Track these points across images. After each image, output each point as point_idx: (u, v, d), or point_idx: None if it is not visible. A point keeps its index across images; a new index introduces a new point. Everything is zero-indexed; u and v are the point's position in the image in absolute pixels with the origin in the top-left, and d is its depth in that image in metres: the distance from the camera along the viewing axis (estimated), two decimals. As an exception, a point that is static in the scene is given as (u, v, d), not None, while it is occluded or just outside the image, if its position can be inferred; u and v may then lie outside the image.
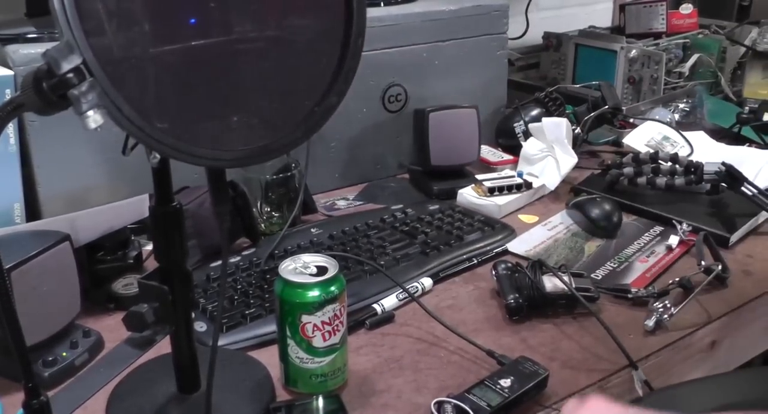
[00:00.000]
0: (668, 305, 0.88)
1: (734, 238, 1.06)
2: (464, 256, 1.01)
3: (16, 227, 0.91)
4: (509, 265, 0.93)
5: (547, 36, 1.73)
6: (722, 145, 1.35)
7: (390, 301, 0.91)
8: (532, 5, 1.75)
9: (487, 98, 1.39)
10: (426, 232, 1.06)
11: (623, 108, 1.38)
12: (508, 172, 1.23)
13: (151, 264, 0.89)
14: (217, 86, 0.58)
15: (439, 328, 0.86)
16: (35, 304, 0.76)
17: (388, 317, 0.89)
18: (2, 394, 0.76)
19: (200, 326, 0.84)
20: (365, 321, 0.88)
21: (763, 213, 1.10)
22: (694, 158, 1.20)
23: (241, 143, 0.59)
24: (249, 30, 0.58)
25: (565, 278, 0.88)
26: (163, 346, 0.82)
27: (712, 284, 0.94)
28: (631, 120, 1.44)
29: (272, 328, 0.80)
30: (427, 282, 0.95)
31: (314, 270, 0.74)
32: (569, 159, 1.22)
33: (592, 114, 1.32)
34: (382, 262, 0.97)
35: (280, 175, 1.08)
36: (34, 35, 1.03)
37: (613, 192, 1.18)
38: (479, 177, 1.20)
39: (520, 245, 1.06)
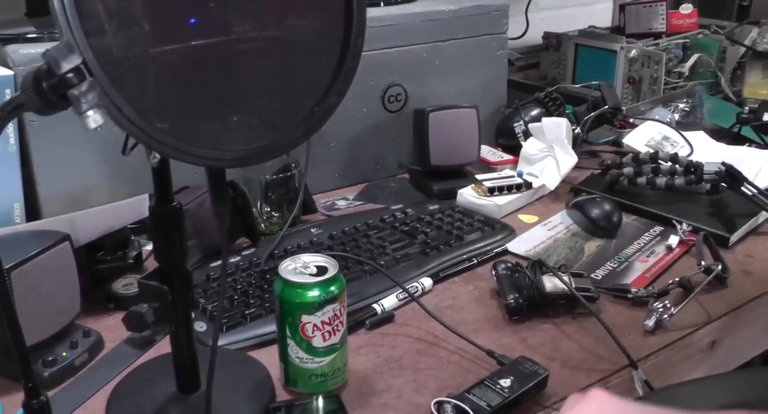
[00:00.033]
0: (668, 305, 0.88)
1: (734, 238, 1.06)
2: (464, 256, 1.01)
3: (16, 227, 0.91)
4: (509, 265, 0.93)
5: (547, 36, 1.73)
6: (722, 145, 1.35)
7: (390, 301, 0.91)
8: (532, 5, 1.75)
9: (487, 98, 1.39)
10: (426, 232, 1.06)
11: (623, 108, 1.38)
12: (508, 172, 1.23)
13: (151, 264, 0.89)
14: (217, 86, 0.58)
15: (439, 328, 0.86)
16: (35, 304, 0.76)
17: (387, 317, 0.89)
18: (2, 394, 0.76)
19: (200, 326, 0.84)
20: (365, 321, 0.88)
21: (763, 213, 1.10)
22: (694, 158, 1.20)
23: (241, 143, 0.59)
24: (249, 30, 0.58)
25: (565, 278, 0.88)
26: (163, 346, 0.82)
27: (712, 284, 0.94)
28: (631, 120, 1.44)
29: (272, 328, 0.80)
30: (427, 282, 0.95)
31: (314, 270, 0.74)
32: (569, 159, 1.22)
33: (592, 114, 1.32)
34: (382, 262, 0.97)
35: (280, 175, 1.08)
36: (34, 35, 1.03)
37: (613, 192, 1.18)
38: (479, 177, 1.20)
39: (520, 245, 1.06)
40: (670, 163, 1.18)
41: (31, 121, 0.98)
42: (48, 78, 0.48)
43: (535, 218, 1.16)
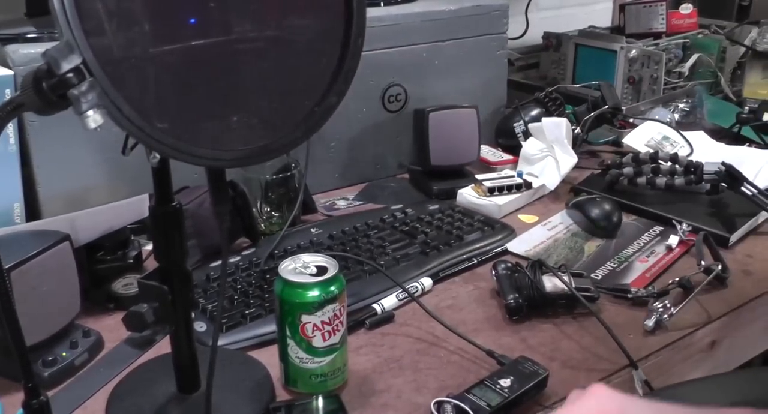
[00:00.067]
0: (668, 305, 0.88)
1: (734, 238, 1.06)
2: (464, 256, 1.01)
3: (15, 227, 0.91)
4: (509, 265, 0.93)
5: (546, 36, 1.73)
6: (722, 145, 1.35)
7: (390, 301, 0.91)
8: (532, 5, 1.75)
9: (487, 98, 1.39)
10: (426, 232, 1.06)
11: (623, 108, 1.38)
12: (507, 172, 1.23)
13: (151, 264, 0.89)
14: (217, 86, 0.58)
15: (439, 328, 0.86)
16: (35, 304, 0.76)
17: (387, 317, 0.89)
18: (2, 394, 0.76)
19: (200, 326, 0.84)
20: (365, 321, 0.88)
21: (763, 213, 1.10)
22: (693, 158, 1.20)
23: (241, 143, 0.59)
24: (249, 30, 0.58)
25: (565, 278, 0.88)
26: (163, 346, 0.82)
27: (712, 284, 0.94)
28: (631, 120, 1.44)
29: (272, 328, 0.80)
30: (426, 282, 0.95)
31: (314, 270, 0.74)
32: (569, 159, 1.22)
33: (591, 114, 1.32)
34: (382, 262, 0.97)
35: (280, 175, 1.08)
36: (34, 35, 1.03)
37: (613, 192, 1.18)
38: (479, 177, 1.20)
39: (520, 245, 1.06)
40: (670, 163, 1.18)
41: (31, 121, 0.98)
42: (48, 78, 0.48)
43: (535, 218, 1.16)
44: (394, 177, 1.33)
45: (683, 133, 1.35)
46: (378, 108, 1.27)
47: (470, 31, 1.33)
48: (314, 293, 0.72)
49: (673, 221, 1.09)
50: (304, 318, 0.73)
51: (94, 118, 0.48)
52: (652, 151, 1.22)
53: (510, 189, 1.18)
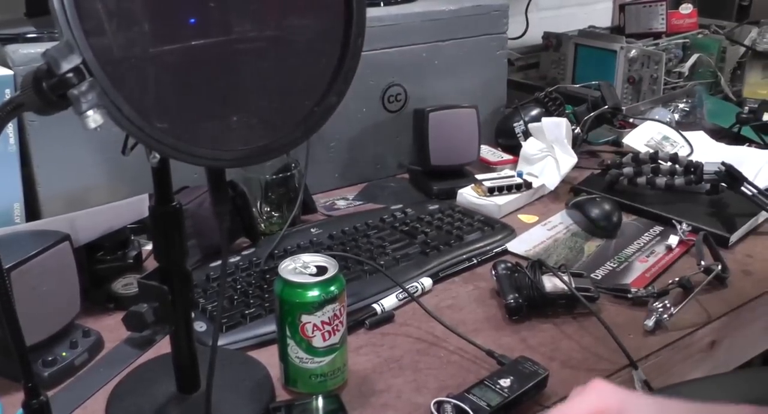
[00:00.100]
0: (668, 305, 0.88)
1: (734, 238, 1.06)
2: (464, 256, 1.01)
3: (15, 227, 0.91)
4: (509, 265, 0.93)
5: (546, 36, 1.73)
6: (722, 145, 1.35)
7: (390, 301, 0.91)
8: (532, 5, 1.75)
9: (487, 98, 1.39)
10: (426, 232, 1.06)
11: (623, 108, 1.38)
12: (507, 172, 1.23)
13: (150, 264, 0.89)
14: (217, 86, 0.58)
15: (439, 328, 0.86)
16: (35, 304, 0.76)
17: (387, 317, 0.89)
18: (2, 394, 0.76)
19: (200, 326, 0.84)
20: (365, 321, 0.88)
21: (763, 213, 1.10)
22: (693, 158, 1.20)
23: (241, 143, 0.59)
24: (249, 30, 0.58)
25: (565, 278, 0.88)
26: (163, 346, 0.82)
27: (712, 284, 0.94)
28: (631, 120, 1.44)
29: (272, 328, 0.80)
30: (426, 282, 0.95)
31: (314, 270, 0.74)
32: (569, 159, 1.22)
33: (591, 114, 1.33)
34: (382, 262, 0.97)
35: (280, 175, 1.08)
36: (34, 35, 1.03)
37: (613, 192, 1.18)
38: (479, 177, 1.20)
39: (520, 245, 1.06)
40: (669, 163, 1.18)
41: (31, 121, 0.98)
42: (48, 78, 0.48)
43: (535, 218, 1.16)
44: (394, 177, 1.33)
45: (683, 133, 1.35)
46: (378, 108, 1.27)
47: (470, 31, 1.33)
48: (314, 293, 0.72)
49: (673, 221, 1.09)
50: (304, 318, 0.73)
51: (94, 118, 0.48)
52: (652, 151, 1.22)
53: (510, 189, 1.18)
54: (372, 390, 0.77)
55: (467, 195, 1.18)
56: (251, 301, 0.88)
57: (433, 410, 0.71)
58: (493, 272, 0.93)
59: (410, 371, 0.80)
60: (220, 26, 0.56)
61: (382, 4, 1.29)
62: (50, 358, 0.78)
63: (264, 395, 0.75)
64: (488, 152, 1.34)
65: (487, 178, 1.19)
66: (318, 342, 0.74)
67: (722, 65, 1.64)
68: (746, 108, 1.43)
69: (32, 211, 1.01)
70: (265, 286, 0.91)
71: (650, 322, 0.86)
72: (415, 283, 0.94)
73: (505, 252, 1.05)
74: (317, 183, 1.22)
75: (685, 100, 1.52)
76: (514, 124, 1.35)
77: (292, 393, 0.77)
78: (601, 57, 1.58)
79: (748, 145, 1.37)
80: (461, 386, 0.75)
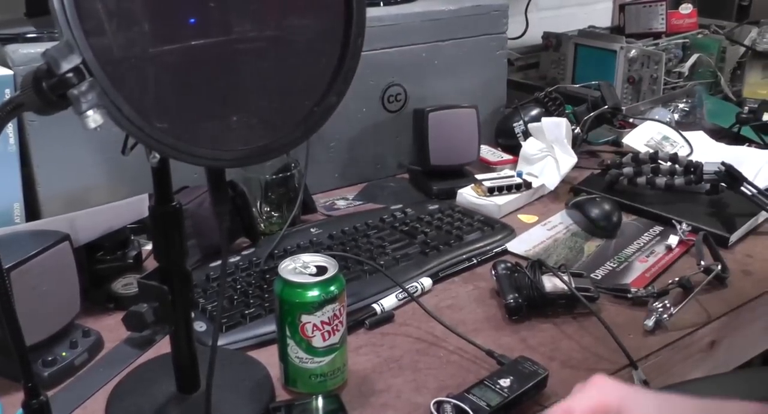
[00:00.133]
0: (668, 305, 0.88)
1: (734, 238, 1.06)
2: (464, 256, 1.01)
3: (15, 227, 0.91)
4: (509, 264, 0.93)
5: (546, 36, 1.73)
6: (722, 145, 1.35)
7: (389, 301, 0.91)
8: (532, 5, 1.75)
9: (487, 98, 1.39)
10: (426, 232, 1.06)
11: (623, 108, 1.38)
12: (507, 172, 1.23)
13: (150, 264, 0.89)
14: (217, 86, 0.58)
15: (439, 328, 0.86)
16: (35, 304, 0.76)
17: (387, 317, 0.89)
18: (2, 394, 0.76)
19: (200, 326, 0.84)
20: (365, 321, 0.88)
21: (763, 213, 1.10)
22: (693, 158, 1.20)
23: (241, 143, 0.59)
24: (248, 30, 0.58)
25: (565, 278, 0.88)
26: (163, 346, 0.82)
27: (712, 284, 0.94)
28: (631, 120, 1.44)
29: (272, 327, 0.80)
30: (426, 282, 0.95)
31: (314, 270, 0.74)
32: (569, 159, 1.22)
33: (591, 114, 1.32)
34: (382, 262, 0.97)
35: (280, 175, 1.08)
36: (34, 35, 1.03)
37: (613, 192, 1.18)
38: (479, 177, 1.20)
39: (520, 245, 1.06)
40: (669, 163, 1.18)
41: (30, 121, 0.98)
42: (48, 78, 0.48)
43: (535, 218, 1.16)
44: (394, 177, 1.33)
45: (683, 133, 1.35)
46: (378, 108, 1.27)
47: (470, 31, 1.33)
48: (314, 293, 0.72)
49: (673, 221, 1.09)
50: (304, 318, 0.73)
51: (93, 118, 0.48)
52: (651, 151, 1.22)
53: (510, 189, 1.18)
54: (372, 390, 0.77)
55: (467, 195, 1.18)
56: (251, 301, 0.88)
57: (433, 410, 0.71)
58: (493, 272, 0.93)
59: (410, 371, 0.80)
60: (220, 26, 0.56)
61: (382, 4, 1.29)
62: (50, 358, 0.78)
63: (264, 395, 0.75)
64: (488, 152, 1.34)
65: (487, 178, 1.19)
66: (318, 342, 0.74)
67: (722, 65, 1.64)
68: (746, 108, 1.43)
69: (32, 211, 1.01)
70: (265, 286, 0.91)
71: (650, 322, 0.86)
72: (415, 283, 0.94)
73: (505, 252, 1.05)
74: (317, 183, 1.22)
75: (685, 100, 1.52)
76: (514, 124, 1.35)
77: (292, 393, 0.77)
78: (601, 57, 1.58)
79: (748, 145, 1.37)
80: (461, 386, 0.75)
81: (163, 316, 0.67)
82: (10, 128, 0.96)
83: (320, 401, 0.73)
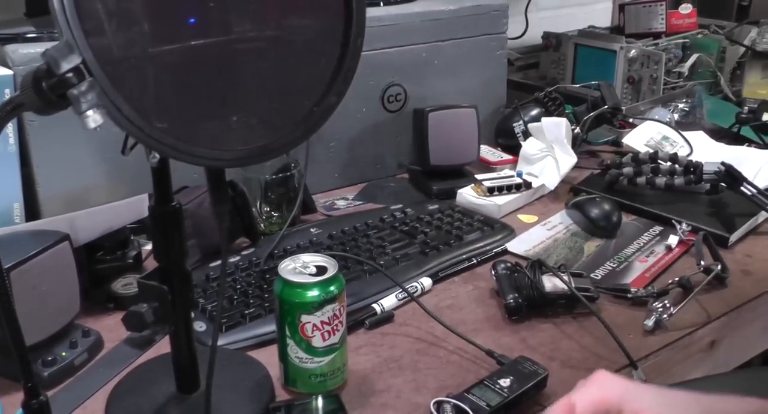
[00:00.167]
0: (668, 305, 0.88)
1: (733, 238, 1.06)
2: (464, 256, 1.01)
3: (15, 227, 0.91)
4: (509, 264, 0.93)
5: (546, 36, 1.73)
6: (722, 145, 1.35)
7: (389, 301, 0.91)
8: (532, 5, 1.75)
9: (487, 98, 1.39)
10: (425, 232, 1.06)
11: (623, 108, 1.38)
12: (507, 171, 1.23)
13: (150, 264, 0.89)
14: (217, 86, 0.58)
15: (439, 328, 0.86)
16: (35, 304, 0.76)
17: (387, 317, 0.89)
18: (2, 394, 0.76)
19: (200, 326, 0.84)
20: (365, 321, 0.88)
21: (763, 213, 1.10)
22: (693, 158, 1.20)
23: (241, 143, 0.59)
24: (248, 30, 0.58)
25: (565, 278, 0.88)
26: (163, 346, 0.82)
27: (712, 284, 0.94)
28: (631, 120, 1.44)
29: (272, 327, 0.80)
30: (426, 282, 0.95)
31: (314, 270, 0.74)
32: (569, 159, 1.22)
33: (591, 114, 1.32)
34: (382, 262, 0.97)
35: (280, 175, 1.08)
36: (34, 35, 1.03)
37: (613, 192, 1.18)
38: (479, 177, 1.20)
39: (520, 245, 1.06)
40: (669, 163, 1.18)
41: (30, 121, 0.98)
42: (47, 78, 0.48)
43: (535, 218, 1.16)
44: (394, 177, 1.33)
45: (683, 133, 1.35)
46: (378, 108, 1.27)
47: (470, 31, 1.33)
48: (314, 293, 0.72)
49: (673, 221, 1.09)
50: (304, 318, 0.73)
51: (93, 118, 0.48)
52: (651, 151, 1.22)
53: (510, 189, 1.18)
54: (372, 390, 0.77)
55: (467, 195, 1.18)
56: (251, 301, 0.88)
57: (433, 410, 0.71)
58: (493, 272, 0.93)
59: (410, 371, 0.80)
60: (219, 26, 0.56)
61: (382, 4, 1.29)
62: (50, 358, 0.78)
63: (264, 395, 0.75)
64: (488, 152, 1.34)
65: (487, 178, 1.19)
66: (318, 342, 0.74)
67: (722, 65, 1.64)
68: (746, 108, 1.43)
69: (32, 211, 1.01)
70: (265, 286, 0.91)
71: (650, 322, 0.86)
72: (415, 283, 0.94)
73: (505, 252, 1.05)
74: (317, 183, 1.22)
75: (684, 100, 1.52)
76: (514, 124, 1.35)
77: (291, 393, 0.77)
78: (600, 57, 1.58)
79: (748, 145, 1.37)
80: (461, 386, 0.75)
81: (163, 316, 0.67)
82: (10, 128, 0.96)
83: (320, 401, 0.73)
